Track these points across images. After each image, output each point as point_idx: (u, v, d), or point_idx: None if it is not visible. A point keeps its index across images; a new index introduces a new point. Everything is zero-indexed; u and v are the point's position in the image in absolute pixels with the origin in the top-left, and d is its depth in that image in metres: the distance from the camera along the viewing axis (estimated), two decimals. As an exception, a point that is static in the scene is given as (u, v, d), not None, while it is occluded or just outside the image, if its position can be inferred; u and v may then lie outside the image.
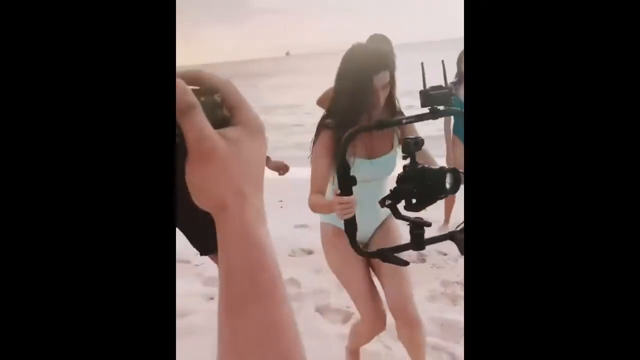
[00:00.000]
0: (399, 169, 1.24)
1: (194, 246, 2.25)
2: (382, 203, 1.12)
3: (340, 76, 1.40)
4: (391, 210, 1.13)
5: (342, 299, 2.51)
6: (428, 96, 1.15)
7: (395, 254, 1.24)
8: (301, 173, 2.32)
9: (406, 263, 1.27)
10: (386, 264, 1.43)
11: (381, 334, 1.91)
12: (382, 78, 1.35)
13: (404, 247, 1.23)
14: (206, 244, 2.25)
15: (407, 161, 1.13)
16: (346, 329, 2.18)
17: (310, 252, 3.23)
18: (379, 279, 1.58)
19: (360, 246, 1.31)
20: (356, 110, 1.36)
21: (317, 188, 1.39)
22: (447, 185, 1.09)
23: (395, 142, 1.49)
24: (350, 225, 1.20)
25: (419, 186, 1.08)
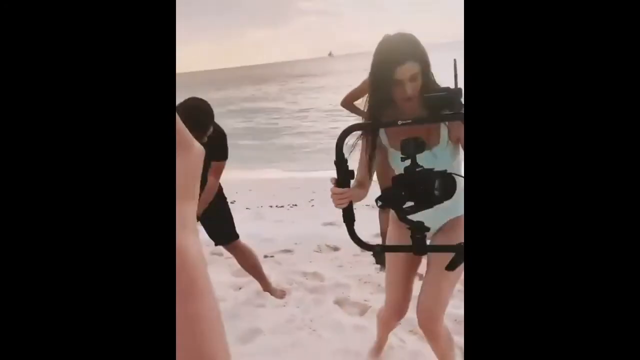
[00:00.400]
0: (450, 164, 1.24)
1: (210, 237, 2.44)
2: (376, 203, 1.11)
3: (370, 70, 1.38)
4: (394, 210, 1.10)
5: (360, 293, 2.57)
6: (428, 98, 1.10)
7: (384, 252, 1.22)
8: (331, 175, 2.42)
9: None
10: (432, 263, 1.44)
11: (396, 328, 1.95)
12: (407, 69, 1.27)
13: (406, 249, 1.20)
14: (217, 236, 2.47)
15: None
16: (363, 321, 2.23)
17: (336, 249, 3.30)
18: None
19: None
20: (379, 104, 1.35)
21: (358, 179, 1.41)
22: (436, 192, 1.02)
23: (443, 137, 1.38)
24: (346, 215, 1.19)
25: (408, 191, 1.04)
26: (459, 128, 1.32)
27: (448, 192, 1.03)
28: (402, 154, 1.10)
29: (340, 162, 1.15)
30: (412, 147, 1.07)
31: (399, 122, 1.12)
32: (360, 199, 1.39)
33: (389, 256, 1.56)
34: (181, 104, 2.07)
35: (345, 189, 1.19)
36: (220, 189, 2.40)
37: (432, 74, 1.34)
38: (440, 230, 1.50)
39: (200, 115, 2.05)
